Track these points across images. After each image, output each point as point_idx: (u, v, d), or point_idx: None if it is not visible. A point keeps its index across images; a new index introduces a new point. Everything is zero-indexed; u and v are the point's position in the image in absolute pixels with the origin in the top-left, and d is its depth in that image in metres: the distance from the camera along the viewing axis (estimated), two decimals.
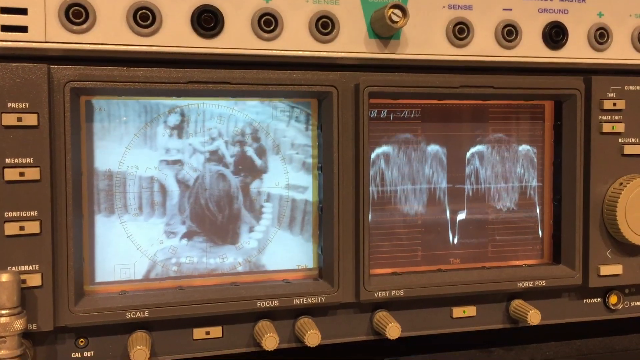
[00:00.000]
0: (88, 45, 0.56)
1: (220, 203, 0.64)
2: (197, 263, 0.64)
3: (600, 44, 0.68)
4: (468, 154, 0.70)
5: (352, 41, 0.62)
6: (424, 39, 0.64)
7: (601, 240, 0.70)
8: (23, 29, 0.55)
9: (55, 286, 0.57)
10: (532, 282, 0.69)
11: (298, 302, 0.63)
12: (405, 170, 0.69)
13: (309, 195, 0.66)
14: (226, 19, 0.59)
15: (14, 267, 0.55)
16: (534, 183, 0.72)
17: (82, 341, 0.60)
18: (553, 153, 0.72)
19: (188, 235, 0.63)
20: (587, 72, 0.70)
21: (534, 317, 0.68)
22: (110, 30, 0.56)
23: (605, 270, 0.70)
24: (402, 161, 0.68)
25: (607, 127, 0.69)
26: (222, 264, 0.64)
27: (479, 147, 0.71)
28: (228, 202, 0.64)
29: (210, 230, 0.64)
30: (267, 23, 0.60)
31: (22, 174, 0.55)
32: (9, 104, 0.55)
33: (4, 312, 0.52)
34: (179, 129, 0.63)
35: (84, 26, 0.56)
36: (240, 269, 0.65)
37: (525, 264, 0.72)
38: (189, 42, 0.58)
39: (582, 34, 0.68)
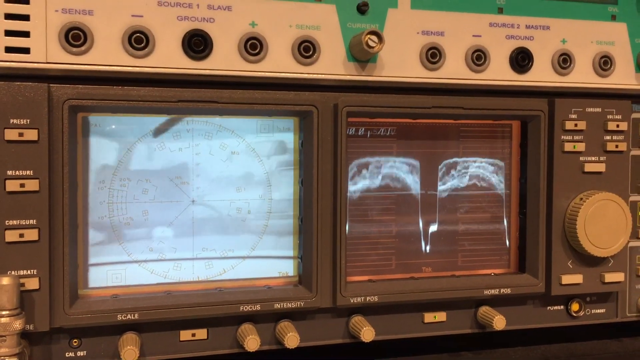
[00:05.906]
0: (86, 66, 0.59)
1: (206, 214, 0.68)
2: (184, 269, 0.67)
3: (564, 68, 0.72)
4: (440, 170, 0.75)
5: (332, 64, 0.65)
6: (399, 63, 0.67)
7: (563, 251, 0.73)
8: (25, 51, 0.58)
9: (51, 289, 0.59)
10: (498, 290, 0.72)
11: (279, 307, 0.65)
12: (382, 184, 0.73)
13: (290, 208, 0.70)
14: (215, 42, 0.62)
15: (14, 272, 0.58)
16: (502, 197, 0.77)
17: (75, 341, 0.62)
18: (519, 169, 0.76)
19: (176, 244, 0.67)
20: (551, 94, 0.73)
21: (499, 322, 0.71)
22: (107, 52, 0.59)
23: (567, 279, 0.73)
24: (378, 176, 0.72)
25: (568, 146, 0.73)
26: (208, 270, 0.68)
27: (450, 163, 0.75)
28: (214, 213, 0.68)
29: (197, 239, 0.68)
30: (253, 47, 0.63)
31: (22, 185, 0.58)
32: (12, 120, 0.58)
33: (4, 313, 0.55)
34: (169, 144, 0.66)
35: (83, 48, 0.59)
36: (224, 276, 0.69)
37: (493, 273, 0.76)
38: (180, 63, 0.61)
39: (546, 59, 0.72)
